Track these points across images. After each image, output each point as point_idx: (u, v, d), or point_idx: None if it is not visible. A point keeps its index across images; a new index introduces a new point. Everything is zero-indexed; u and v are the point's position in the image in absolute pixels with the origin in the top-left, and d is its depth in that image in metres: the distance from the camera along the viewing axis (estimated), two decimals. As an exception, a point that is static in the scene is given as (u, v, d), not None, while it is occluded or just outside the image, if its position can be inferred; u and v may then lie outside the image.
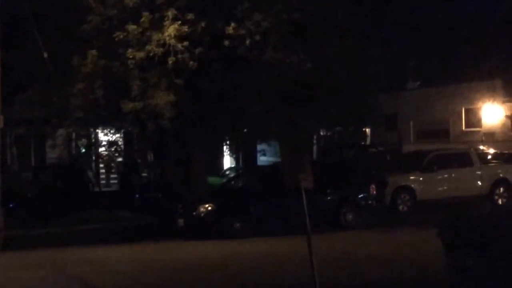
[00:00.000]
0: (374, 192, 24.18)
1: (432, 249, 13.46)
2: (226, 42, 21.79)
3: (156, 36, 21.60)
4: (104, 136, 28.66)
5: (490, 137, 35.84)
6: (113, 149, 28.68)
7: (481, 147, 32.51)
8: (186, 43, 21.42)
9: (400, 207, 26.03)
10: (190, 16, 21.65)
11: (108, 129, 27.39)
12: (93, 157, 31.98)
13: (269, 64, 22.06)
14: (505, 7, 35.38)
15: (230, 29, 21.70)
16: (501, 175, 27.39)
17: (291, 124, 22.93)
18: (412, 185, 26.26)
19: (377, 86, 28.02)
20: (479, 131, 37.02)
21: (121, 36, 21.89)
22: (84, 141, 27.98)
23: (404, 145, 37.31)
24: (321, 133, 36.62)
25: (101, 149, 29.41)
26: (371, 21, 28.19)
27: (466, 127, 38.14)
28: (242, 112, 23.00)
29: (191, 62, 21.54)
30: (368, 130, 40.55)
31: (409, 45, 38.35)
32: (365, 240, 20.39)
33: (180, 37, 21.42)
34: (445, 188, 26.50)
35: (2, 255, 19.51)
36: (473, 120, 37.77)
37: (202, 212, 22.34)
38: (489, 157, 29.89)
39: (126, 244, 21.60)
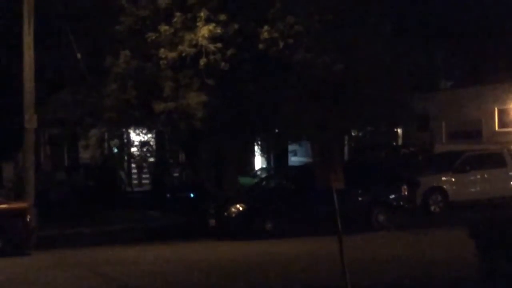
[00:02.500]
0: (406, 193, 24.01)
1: (465, 250, 13.38)
2: (261, 46, 21.81)
3: (188, 37, 21.69)
4: (136, 136, 28.79)
5: (523, 137, 35.49)
6: (145, 149, 28.79)
7: (514, 147, 32.19)
8: (218, 44, 21.48)
9: (432, 208, 25.84)
10: (222, 17, 21.71)
11: (140, 129, 27.51)
12: (125, 157, 32.16)
13: (300, 65, 22.06)
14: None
15: (264, 33, 21.71)
16: (534, 176, 27.08)
17: (323, 125, 22.93)
18: (444, 186, 26.07)
19: (409, 87, 27.90)
20: (512, 132, 36.69)
21: (154, 37, 22.03)
22: (116, 141, 28.08)
23: (436, 146, 37.00)
24: (353, 134, 36.50)
25: (133, 149, 29.53)
26: (403, 21, 28.10)
27: (499, 127, 37.76)
28: (274, 112, 23.02)
29: (223, 63, 21.59)
30: (399, 130, 40.37)
31: (442, 45, 38.14)
32: (397, 241, 20.28)
33: (212, 38, 21.48)
34: (477, 189, 26.28)
35: (36, 255, 19.67)
36: (506, 120, 37.39)
37: (234, 212, 22.36)
38: (522, 157, 29.56)
39: (157, 244, 21.72)
